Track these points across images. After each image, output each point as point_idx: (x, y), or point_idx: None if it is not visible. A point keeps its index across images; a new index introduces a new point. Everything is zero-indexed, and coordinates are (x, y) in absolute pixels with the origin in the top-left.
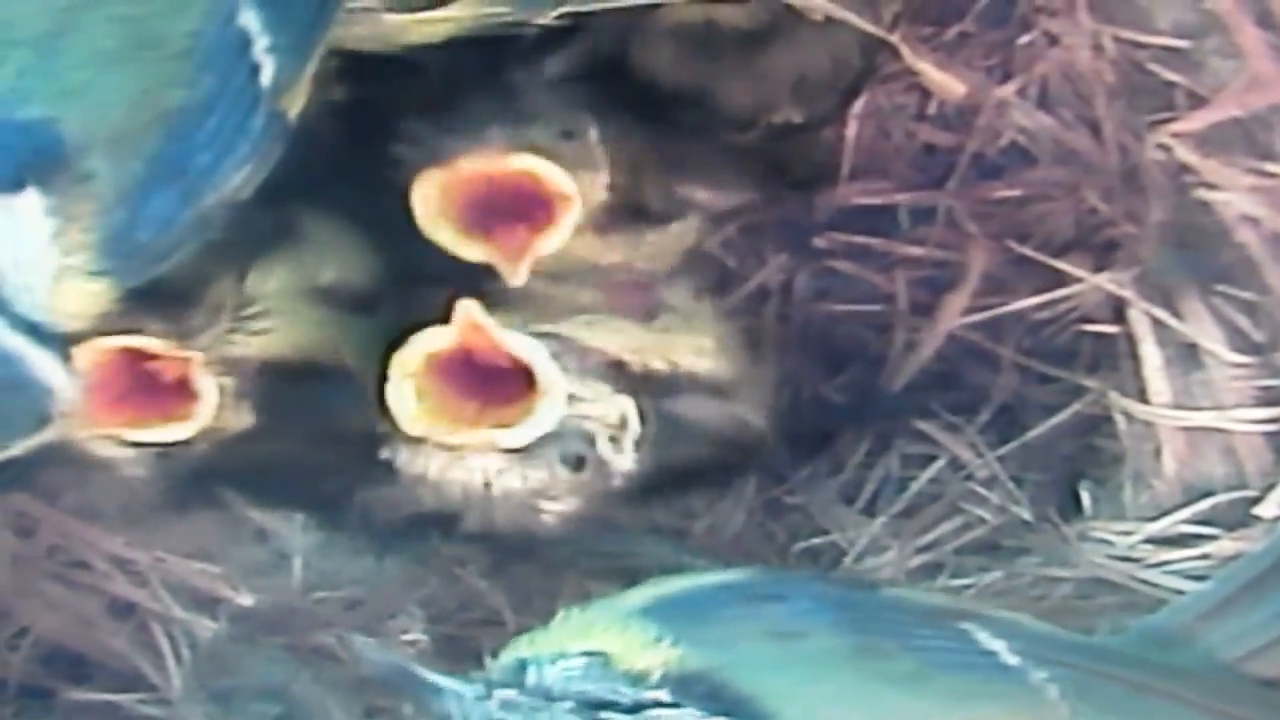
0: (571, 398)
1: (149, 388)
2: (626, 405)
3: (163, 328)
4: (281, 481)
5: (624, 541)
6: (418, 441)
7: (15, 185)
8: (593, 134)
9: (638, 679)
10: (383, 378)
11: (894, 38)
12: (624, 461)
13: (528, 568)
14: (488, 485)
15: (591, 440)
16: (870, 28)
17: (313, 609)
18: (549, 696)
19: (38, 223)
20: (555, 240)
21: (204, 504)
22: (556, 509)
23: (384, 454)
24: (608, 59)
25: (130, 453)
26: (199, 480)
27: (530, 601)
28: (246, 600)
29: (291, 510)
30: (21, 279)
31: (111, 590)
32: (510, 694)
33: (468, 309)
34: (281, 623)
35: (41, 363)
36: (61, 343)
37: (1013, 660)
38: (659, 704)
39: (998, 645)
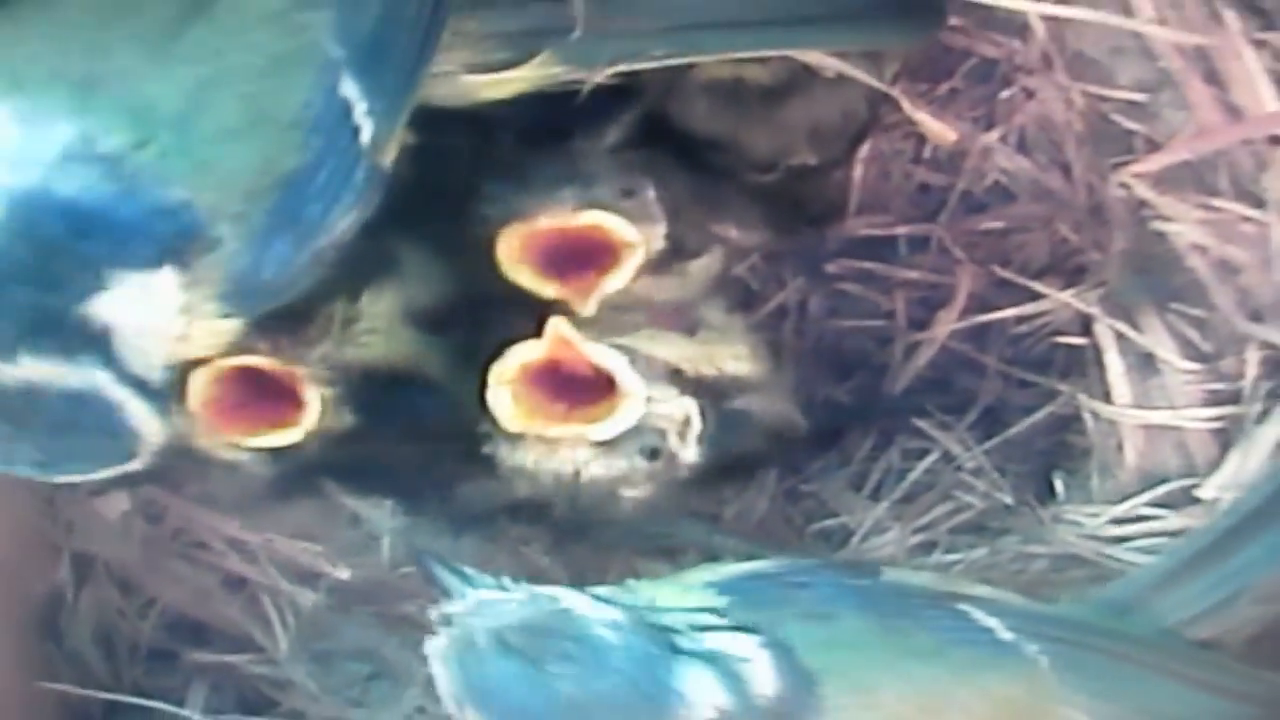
0: (647, 399)
1: (260, 400)
2: (690, 405)
3: (274, 346)
4: (377, 475)
5: (665, 524)
6: (517, 437)
7: (155, 265)
8: (649, 192)
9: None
10: (482, 385)
11: (895, 91)
12: (689, 454)
13: (582, 547)
14: (577, 474)
15: (664, 435)
16: (874, 83)
17: (399, 583)
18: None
19: (169, 295)
20: (620, 281)
21: (306, 493)
22: (633, 495)
23: (486, 449)
24: (650, 115)
25: (245, 454)
26: (305, 474)
27: (584, 575)
28: (342, 575)
29: (384, 498)
30: (141, 343)
31: (227, 567)
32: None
33: (557, 326)
34: (372, 594)
35: (138, 413)
36: (164, 394)
37: (1007, 636)
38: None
39: (992, 623)
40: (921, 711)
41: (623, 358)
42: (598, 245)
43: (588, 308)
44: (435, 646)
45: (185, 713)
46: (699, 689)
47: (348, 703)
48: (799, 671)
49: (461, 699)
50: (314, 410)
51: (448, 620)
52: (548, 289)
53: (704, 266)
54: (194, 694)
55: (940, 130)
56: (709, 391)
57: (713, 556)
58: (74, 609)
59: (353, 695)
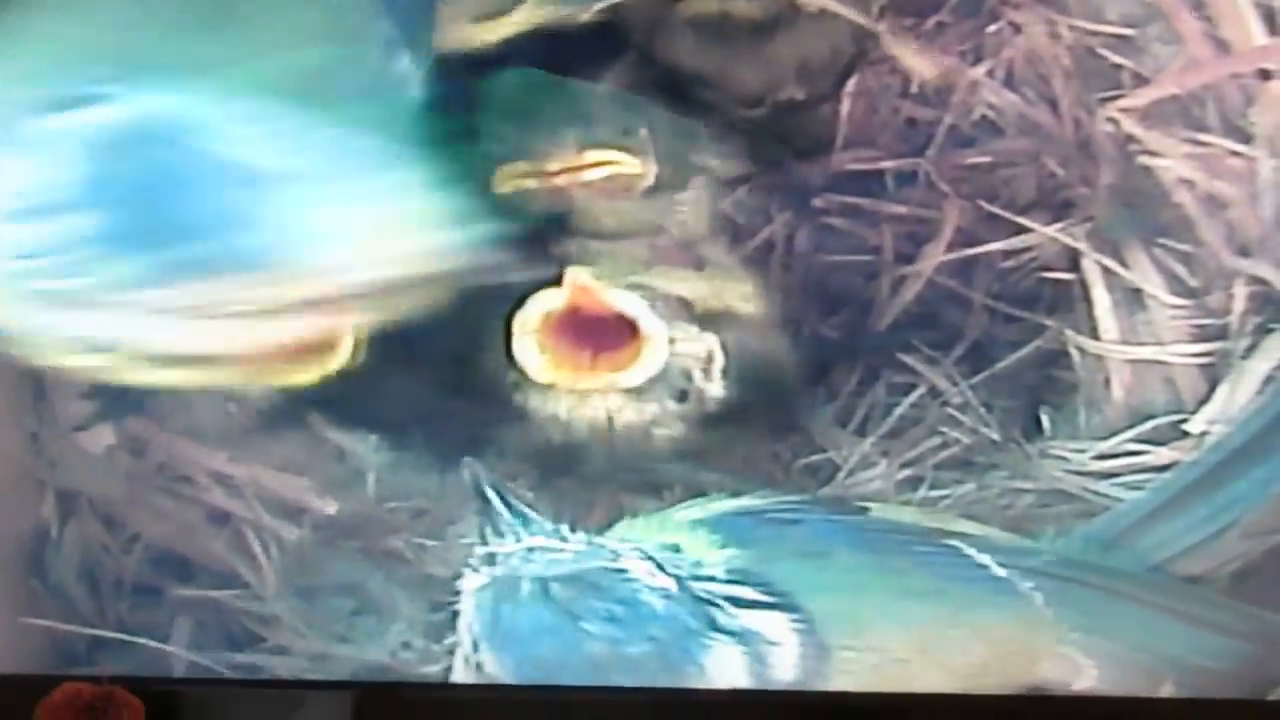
0: (670, 340)
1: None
2: (711, 341)
3: None
4: (366, 410)
5: (650, 460)
6: (547, 388)
7: None
8: (643, 131)
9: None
10: (507, 335)
11: (880, 27)
12: (716, 389)
13: (568, 481)
14: (610, 420)
15: (689, 376)
16: (860, 19)
17: (385, 517)
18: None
19: None
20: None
21: (293, 427)
22: (667, 434)
23: (517, 399)
24: (638, 52)
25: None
26: (293, 408)
27: (572, 510)
28: (328, 509)
29: (370, 433)
30: None
31: (211, 501)
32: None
33: (576, 274)
34: (358, 529)
35: None
36: None
37: (1001, 572)
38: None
39: (985, 559)
40: (921, 653)
41: (642, 300)
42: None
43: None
44: (471, 583)
45: (170, 648)
46: (723, 667)
47: (333, 638)
48: (820, 649)
49: (482, 639)
50: (344, 353)
51: (491, 559)
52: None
53: (690, 201)
54: (178, 630)
55: (921, 64)
56: (719, 327)
57: (699, 492)
58: (59, 545)
59: (338, 630)
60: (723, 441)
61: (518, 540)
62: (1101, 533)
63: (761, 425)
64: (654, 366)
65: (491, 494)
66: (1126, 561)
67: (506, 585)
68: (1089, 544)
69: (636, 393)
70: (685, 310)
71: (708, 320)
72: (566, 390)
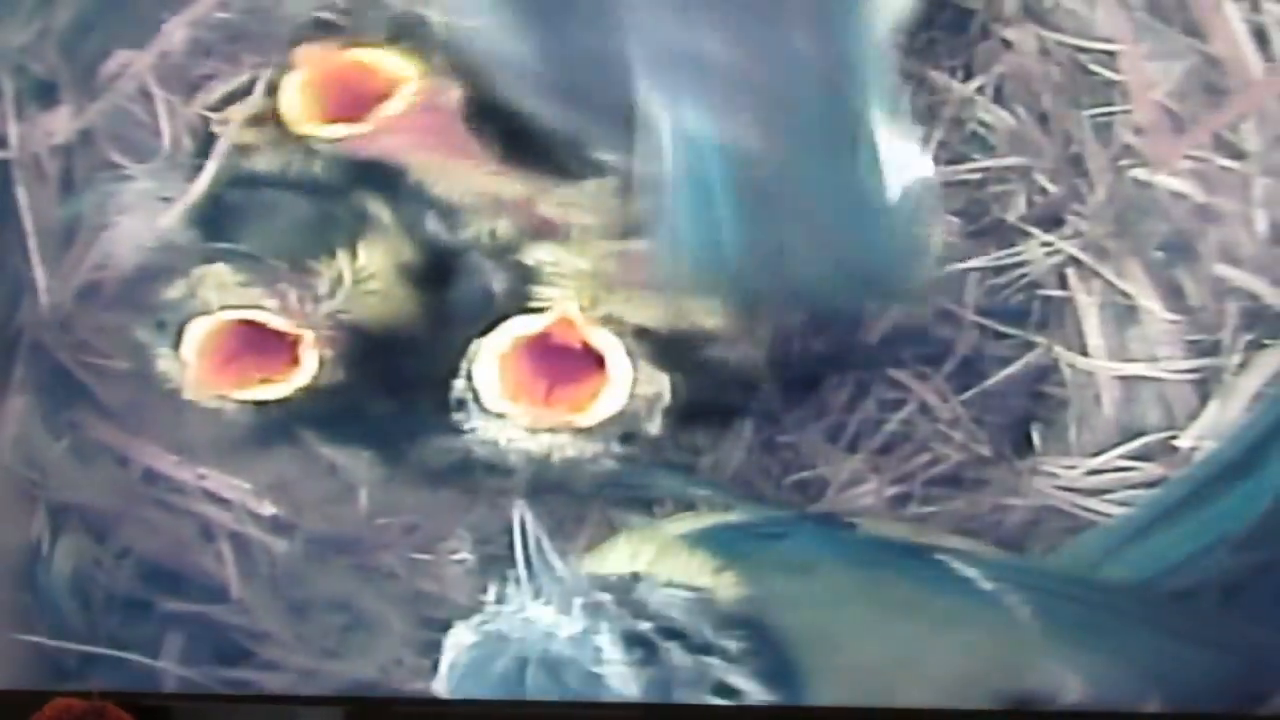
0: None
1: (255, 354)
2: (663, 381)
3: (283, 303)
4: (356, 426)
5: (641, 476)
6: (498, 416)
7: None
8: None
9: (708, 604)
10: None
11: None
12: (654, 428)
13: (560, 497)
14: (548, 456)
15: (638, 418)
16: None
17: (376, 533)
18: (639, 613)
19: None
20: None
21: (284, 443)
22: (601, 470)
23: (458, 418)
24: None
25: (231, 405)
26: (284, 424)
27: (562, 526)
28: (319, 525)
29: (362, 449)
30: None
31: (204, 515)
32: (606, 598)
33: (566, 309)
34: (349, 545)
35: None
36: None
37: (987, 586)
38: (723, 651)
39: (972, 573)
40: (901, 666)
41: (618, 341)
42: None
43: None
44: (455, 639)
45: (160, 664)
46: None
47: (323, 654)
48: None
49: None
50: (309, 368)
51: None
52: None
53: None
54: (169, 644)
55: None
56: (679, 346)
57: (689, 507)
58: (49, 560)
59: (328, 646)
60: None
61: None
62: (1090, 548)
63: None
64: (611, 409)
65: (527, 548)
66: (1115, 577)
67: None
68: (1078, 559)
69: (586, 432)
70: (645, 342)
71: (668, 347)
72: (515, 421)
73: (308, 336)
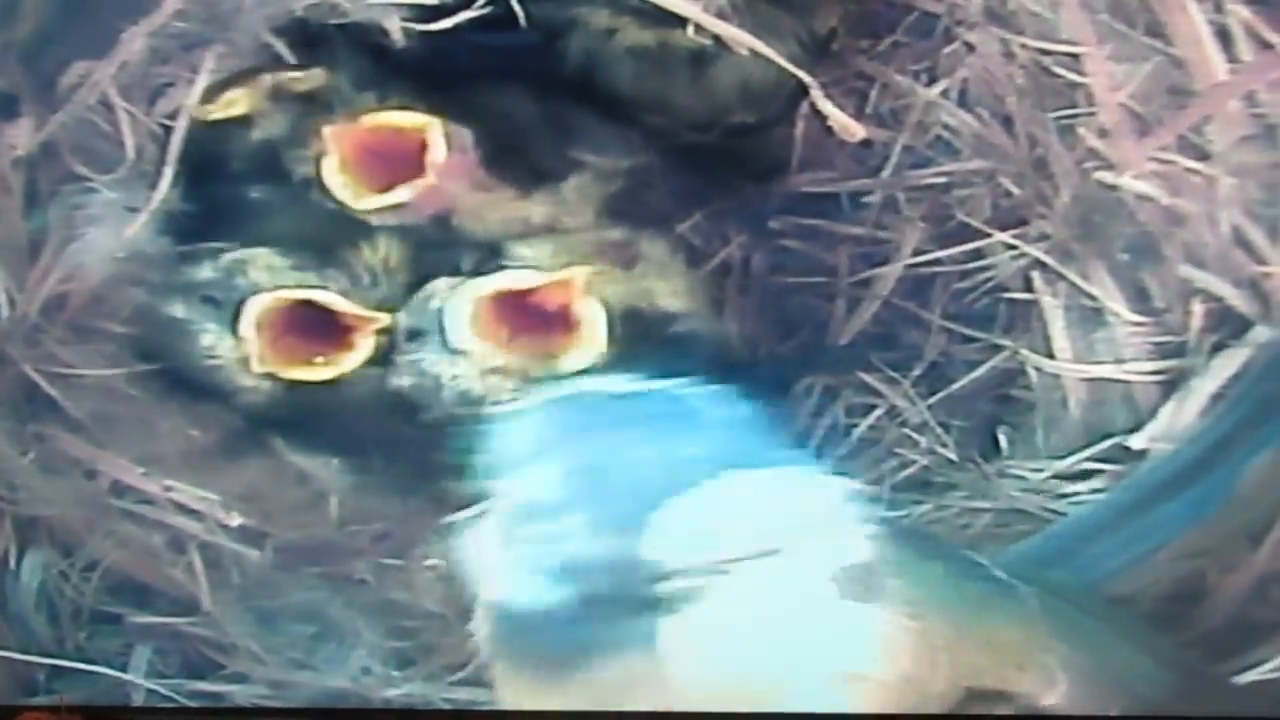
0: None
1: (305, 335)
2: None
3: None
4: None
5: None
6: (459, 352)
7: None
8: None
9: None
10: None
11: (805, 77)
12: None
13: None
14: (483, 397)
15: None
16: (783, 62)
17: (346, 541)
18: None
19: None
20: None
21: (255, 452)
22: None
23: (408, 346)
24: (574, 77)
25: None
26: (254, 431)
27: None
28: (289, 534)
29: (332, 456)
30: None
31: (173, 526)
32: None
33: (575, 274)
34: (319, 553)
35: None
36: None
37: (999, 573)
38: None
39: (983, 559)
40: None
41: (602, 313)
42: None
43: None
44: None
45: (129, 677)
46: None
47: (292, 665)
48: None
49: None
50: (363, 353)
51: None
52: None
53: (576, 189)
54: (137, 657)
55: (849, 124)
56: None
57: None
58: (17, 574)
59: (297, 657)
60: None
61: None
62: (1038, 549)
63: None
64: (570, 368)
65: None
66: (1061, 578)
67: None
68: (1025, 560)
69: (532, 383)
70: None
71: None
72: (477, 360)
73: (381, 319)
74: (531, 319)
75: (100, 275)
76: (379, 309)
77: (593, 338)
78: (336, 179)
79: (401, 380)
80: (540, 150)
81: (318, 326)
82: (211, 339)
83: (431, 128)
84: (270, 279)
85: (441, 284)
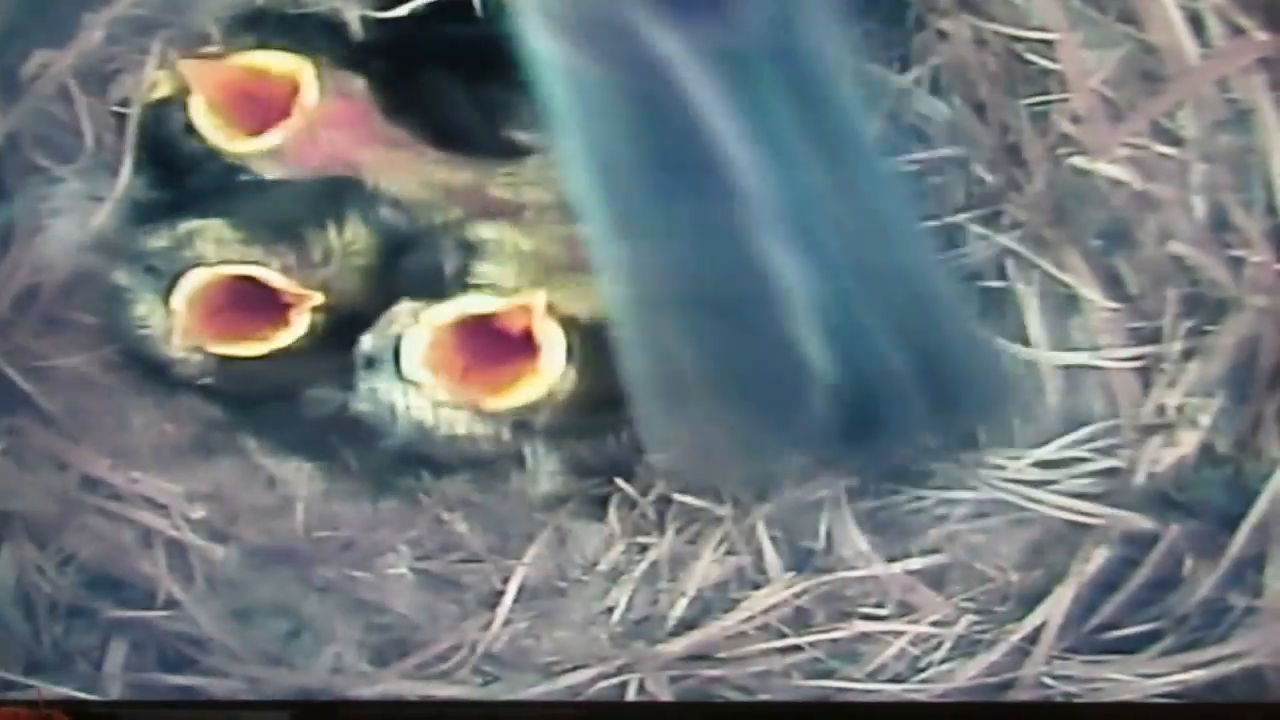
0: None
1: (244, 311)
2: (570, 376)
3: (283, 266)
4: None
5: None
6: (411, 384)
7: None
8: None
9: None
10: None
11: None
12: (543, 418)
13: (508, 507)
14: (435, 428)
15: (536, 408)
16: None
17: (313, 548)
18: None
19: None
20: None
21: (225, 451)
22: (481, 450)
23: (362, 373)
24: None
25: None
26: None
27: (507, 543)
28: (258, 538)
29: (303, 460)
30: None
31: (144, 522)
32: None
33: (532, 299)
34: (287, 557)
35: None
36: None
37: None
38: None
39: None
40: None
41: (561, 338)
42: None
43: None
44: None
45: (105, 671)
46: None
47: (267, 660)
48: None
49: None
50: (297, 330)
51: None
52: None
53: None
54: (113, 652)
55: None
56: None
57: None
58: None
59: (271, 652)
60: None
61: None
62: None
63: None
64: (526, 399)
65: None
66: None
67: None
68: None
69: (488, 415)
70: (571, 333)
71: (585, 331)
72: (429, 392)
73: (315, 298)
74: (488, 346)
75: (69, 266)
76: (324, 288)
77: (550, 366)
78: (205, 120)
79: (362, 405)
80: (489, 127)
81: (257, 303)
82: (145, 309)
83: (302, 70)
84: (216, 252)
85: (404, 309)
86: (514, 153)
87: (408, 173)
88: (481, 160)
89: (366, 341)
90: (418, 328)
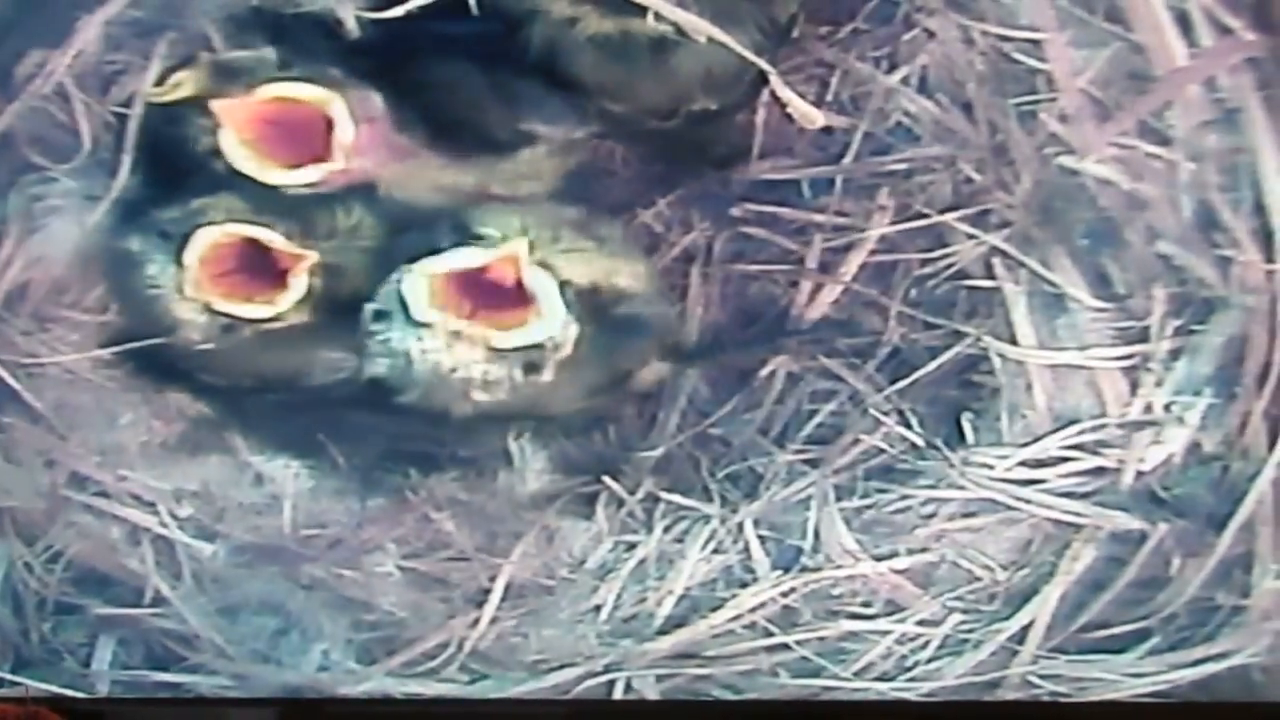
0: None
1: (249, 272)
2: (572, 331)
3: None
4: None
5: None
6: (423, 325)
7: None
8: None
9: None
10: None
11: (763, 64)
12: (546, 374)
13: (495, 506)
14: (451, 370)
15: (544, 353)
16: (743, 51)
17: (300, 546)
18: None
19: None
20: None
21: (213, 449)
22: (484, 398)
23: (376, 328)
24: (537, 65)
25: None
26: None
27: (495, 541)
28: (246, 536)
29: (292, 457)
30: None
31: (132, 519)
32: None
33: (515, 247)
34: (275, 554)
35: None
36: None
37: None
38: None
39: None
40: None
41: (553, 283)
42: None
43: None
44: None
45: (93, 668)
46: None
47: (255, 657)
48: None
49: None
50: (296, 293)
51: None
52: None
53: (529, 161)
54: (101, 649)
55: (807, 112)
56: (596, 302)
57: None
58: None
59: (260, 649)
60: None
61: None
62: None
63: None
64: (533, 338)
65: None
66: None
67: None
68: None
69: (499, 354)
70: (568, 292)
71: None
72: (439, 329)
73: (312, 257)
74: (488, 295)
75: (62, 265)
76: (325, 259)
77: (550, 309)
78: (238, 152)
79: (376, 367)
80: (487, 120)
81: (259, 267)
82: (156, 268)
83: (333, 103)
84: (226, 219)
85: (403, 269)
86: (516, 145)
87: (417, 179)
88: (484, 157)
89: (371, 303)
90: (415, 276)
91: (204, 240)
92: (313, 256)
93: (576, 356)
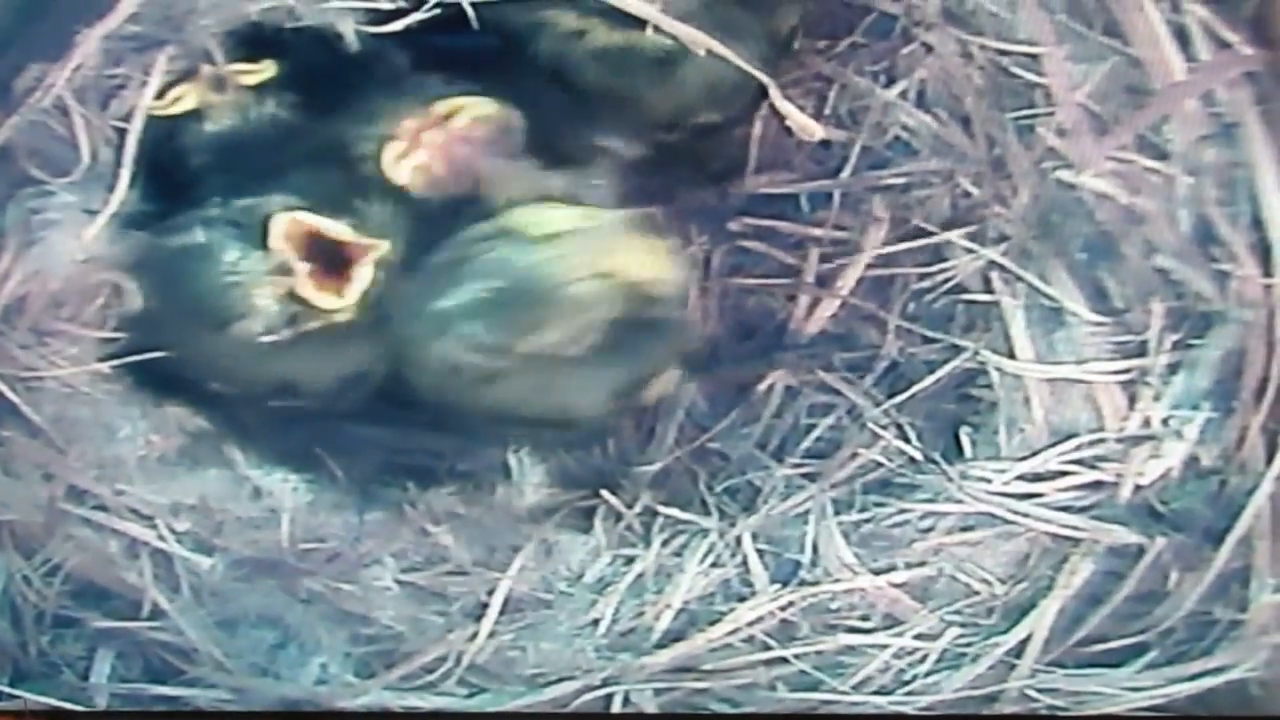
0: None
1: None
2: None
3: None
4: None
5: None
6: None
7: None
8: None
9: None
10: None
11: (763, 77)
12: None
13: (493, 519)
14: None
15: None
16: (742, 64)
17: (298, 560)
18: None
19: None
20: None
21: (211, 463)
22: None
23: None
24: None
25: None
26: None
27: (493, 555)
28: (244, 549)
29: (290, 470)
30: None
31: (130, 533)
32: None
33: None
34: (273, 568)
35: None
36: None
37: None
38: None
39: None
40: None
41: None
42: None
43: None
44: None
45: (92, 682)
46: None
47: (253, 670)
48: None
49: None
50: (362, 282)
51: None
52: None
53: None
54: (100, 662)
55: (806, 125)
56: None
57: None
58: None
59: (258, 662)
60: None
61: None
62: None
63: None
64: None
65: None
66: None
67: None
68: None
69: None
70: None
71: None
72: None
73: (381, 246)
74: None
75: (61, 278)
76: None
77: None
78: (400, 167)
79: None
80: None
81: (324, 258)
82: (235, 255)
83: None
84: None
85: None
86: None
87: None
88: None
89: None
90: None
91: (284, 222)
92: (383, 246)
93: (602, 356)
